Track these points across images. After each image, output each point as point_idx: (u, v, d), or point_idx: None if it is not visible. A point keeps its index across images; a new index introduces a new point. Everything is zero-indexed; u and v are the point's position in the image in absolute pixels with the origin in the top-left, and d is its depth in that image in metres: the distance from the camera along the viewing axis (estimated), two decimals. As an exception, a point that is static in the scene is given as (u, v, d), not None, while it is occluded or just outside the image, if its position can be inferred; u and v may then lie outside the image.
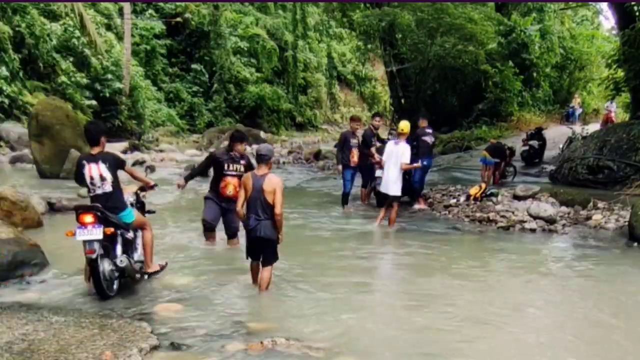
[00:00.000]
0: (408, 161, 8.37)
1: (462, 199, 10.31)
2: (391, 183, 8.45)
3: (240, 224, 5.83)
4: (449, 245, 7.65)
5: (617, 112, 22.84)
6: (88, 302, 4.85)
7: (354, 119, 10.33)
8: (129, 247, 5.29)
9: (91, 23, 20.82)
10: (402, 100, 24.13)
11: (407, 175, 9.59)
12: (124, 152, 18.52)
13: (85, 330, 4.11)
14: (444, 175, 14.50)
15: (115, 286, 4.98)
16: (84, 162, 4.99)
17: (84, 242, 4.68)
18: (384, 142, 10.06)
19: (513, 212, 9.17)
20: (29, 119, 13.53)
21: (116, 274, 4.93)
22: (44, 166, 12.50)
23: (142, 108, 23.36)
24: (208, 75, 30.49)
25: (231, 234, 6.84)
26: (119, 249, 5.07)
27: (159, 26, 28.20)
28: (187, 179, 7.16)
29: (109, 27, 24.98)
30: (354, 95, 44.49)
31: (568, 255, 7.56)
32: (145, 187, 5.73)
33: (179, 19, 29.63)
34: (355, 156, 9.68)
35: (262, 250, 5.22)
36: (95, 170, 4.93)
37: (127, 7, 22.88)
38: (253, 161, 5.54)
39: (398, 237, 8.29)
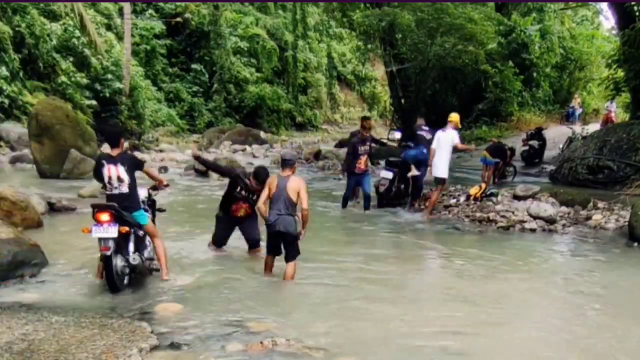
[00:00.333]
0: (459, 142, 9.40)
1: (462, 199, 10.30)
2: (440, 166, 9.29)
3: (262, 231, 6.07)
4: (449, 245, 7.65)
5: (617, 112, 22.83)
6: (88, 302, 4.86)
7: (365, 119, 10.30)
8: (140, 244, 5.47)
9: (91, 23, 20.79)
10: (402, 100, 24.11)
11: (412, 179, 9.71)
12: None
13: (85, 330, 4.11)
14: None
15: (125, 281, 5.18)
16: (104, 161, 5.19)
17: (99, 239, 4.89)
18: (383, 144, 10.02)
19: (513, 212, 9.16)
20: (29, 119, 13.51)
21: (127, 270, 5.18)
22: (44, 166, 12.50)
23: (142, 108, 23.35)
24: (208, 75, 30.48)
25: (253, 244, 6.68)
26: (131, 246, 5.26)
27: (159, 26, 28.18)
28: (202, 160, 7.35)
29: (109, 27, 24.96)
30: (354, 95, 44.45)
31: (568, 255, 7.56)
32: (158, 186, 5.93)
33: (179, 19, 29.62)
34: (362, 163, 9.45)
35: (282, 244, 5.57)
36: (114, 172, 5.13)
37: (127, 7, 22.87)
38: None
39: (398, 238, 8.29)
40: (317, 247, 7.29)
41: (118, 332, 4.10)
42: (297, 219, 5.58)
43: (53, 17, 21.02)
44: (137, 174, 5.34)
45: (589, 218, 8.92)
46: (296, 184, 5.52)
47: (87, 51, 20.90)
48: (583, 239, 8.14)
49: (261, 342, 4.01)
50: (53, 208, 8.76)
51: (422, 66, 22.42)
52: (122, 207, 5.08)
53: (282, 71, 36.16)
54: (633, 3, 14.66)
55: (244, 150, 21.91)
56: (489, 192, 10.25)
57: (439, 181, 9.50)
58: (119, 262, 5.04)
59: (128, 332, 4.11)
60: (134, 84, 22.95)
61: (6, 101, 17.29)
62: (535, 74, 26.23)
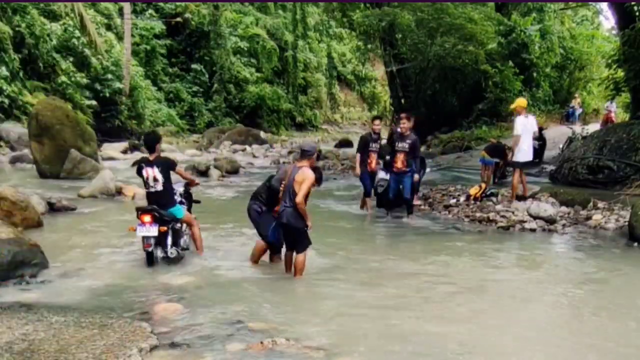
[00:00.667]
0: (536, 129, 10.14)
1: (462, 199, 10.31)
2: (524, 150, 9.55)
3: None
4: (449, 245, 7.65)
5: (617, 112, 22.83)
6: (88, 302, 4.86)
7: (376, 118, 10.31)
8: (177, 236, 6.22)
9: (91, 23, 20.84)
10: (402, 100, 24.14)
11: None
12: (124, 152, 18.56)
13: (85, 330, 4.11)
14: (444, 175, 14.50)
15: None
16: (143, 165, 6.09)
17: (143, 237, 5.75)
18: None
19: (513, 212, 9.16)
20: (29, 119, 13.51)
21: (165, 260, 6.06)
22: (44, 166, 12.49)
23: (142, 108, 23.38)
24: (208, 75, 30.52)
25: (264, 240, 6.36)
26: (169, 240, 6.08)
27: (159, 26, 28.21)
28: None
29: (109, 27, 25.00)
30: (354, 95, 44.51)
31: (568, 255, 7.55)
32: (190, 185, 6.75)
33: (179, 19, 29.66)
34: (373, 162, 9.43)
35: (290, 237, 5.57)
36: (151, 173, 6.03)
37: (127, 7, 22.90)
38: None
39: (398, 237, 8.29)
40: (316, 246, 7.30)
41: (118, 332, 4.10)
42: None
43: (53, 17, 21.05)
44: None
45: (589, 218, 8.91)
46: (301, 176, 5.30)
47: (87, 51, 20.93)
48: (583, 239, 8.13)
49: (261, 342, 4.01)
50: (53, 208, 8.76)
51: (422, 66, 22.46)
52: (159, 204, 5.94)
53: (282, 71, 36.20)
54: (633, 3, 14.66)
55: (244, 150, 21.92)
56: (489, 192, 10.25)
57: (522, 165, 9.76)
58: (159, 253, 5.99)
59: (128, 332, 4.11)
60: (134, 84, 22.98)
61: (6, 101, 17.31)
62: (535, 74, 26.23)
